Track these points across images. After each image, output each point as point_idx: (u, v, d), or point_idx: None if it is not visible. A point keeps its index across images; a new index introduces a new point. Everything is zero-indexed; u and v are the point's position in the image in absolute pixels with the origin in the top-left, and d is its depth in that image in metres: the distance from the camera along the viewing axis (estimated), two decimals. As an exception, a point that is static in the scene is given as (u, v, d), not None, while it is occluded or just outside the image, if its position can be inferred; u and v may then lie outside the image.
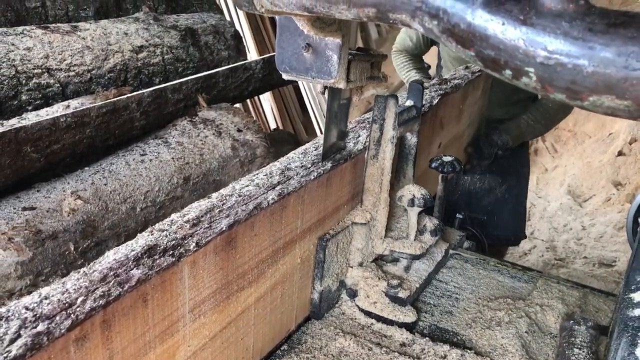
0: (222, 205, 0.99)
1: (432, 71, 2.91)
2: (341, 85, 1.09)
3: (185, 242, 0.87)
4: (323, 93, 1.25)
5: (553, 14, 0.55)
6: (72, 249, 1.42)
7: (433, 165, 1.59)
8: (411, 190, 1.39)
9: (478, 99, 2.40)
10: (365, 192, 1.38)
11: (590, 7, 0.55)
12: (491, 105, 2.59)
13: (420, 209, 1.38)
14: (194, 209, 0.97)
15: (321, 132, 5.09)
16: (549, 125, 2.74)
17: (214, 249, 0.91)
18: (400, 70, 2.83)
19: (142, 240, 0.86)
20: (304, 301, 1.27)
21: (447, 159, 1.59)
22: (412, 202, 1.37)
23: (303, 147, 1.35)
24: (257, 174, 1.15)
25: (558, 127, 5.37)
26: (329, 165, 1.23)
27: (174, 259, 0.83)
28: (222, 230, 0.92)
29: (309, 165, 1.22)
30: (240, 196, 1.03)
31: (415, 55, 2.82)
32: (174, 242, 0.87)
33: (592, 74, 0.53)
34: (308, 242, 1.22)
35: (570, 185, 4.89)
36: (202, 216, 0.95)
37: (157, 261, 0.82)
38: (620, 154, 4.88)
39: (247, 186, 1.08)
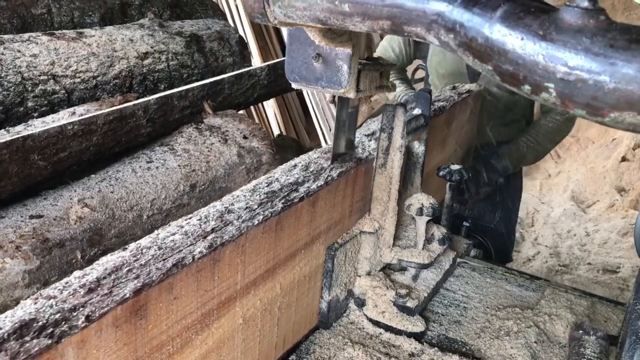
0: (135, 262, 0.82)
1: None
2: (351, 95, 1.09)
3: (74, 315, 0.70)
4: (332, 102, 1.25)
5: (573, 29, 0.55)
6: (79, 257, 1.42)
7: (441, 173, 1.59)
8: (420, 199, 1.38)
9: (466, 122, 2.20)
10: (373, 201, 1.38)
11: (611, 23, 0.54)
12: (483, 127, 2.39)
13: (429, 218, 1.38)
14: (100, 266, 0.81)
15: (325, 139, 5.08)
16: (550, 146, 2.53)
17: (113, 321, 0.74)
18: None
19: (20, 312, 0.70)
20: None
21: (455, 167, 1.58)
22: (420, 211, 1.37)
23: (253, 182, 1.16)
24: (191, 217, 0.98)
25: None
26: (279, 205, 1.05)
27: (50, 341, 0.66)
28: (125, 297, 0.75)
29: (255, 207, 1.03)
30: (160, 249, 0.86)
31: (397, 67, 2.67)
32: (58, 315, 0.69)
33: (613, 91, 0.53)
34: (253, 297, 1.04)
35: (574, 191, 4.89)
36: (104, 278, 0.78)
37: (27, 345, 0.65)
38: (624, 159, 4.87)
39: (173, 234, 0.91)
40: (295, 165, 1.25)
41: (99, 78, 2.08)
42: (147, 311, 0.79)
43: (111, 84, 2.12)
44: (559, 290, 1.56)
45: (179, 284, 0.84)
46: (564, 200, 4.82)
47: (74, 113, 1.77)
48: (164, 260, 0.83)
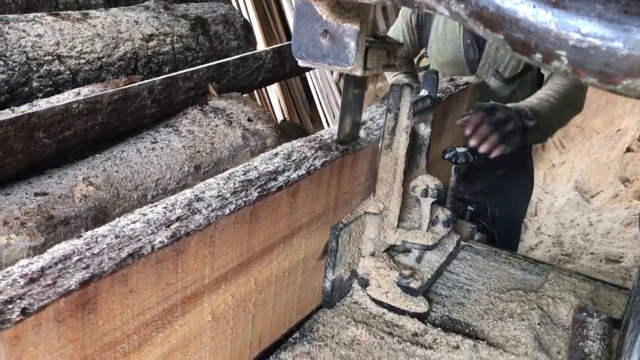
0: (87, 250, 0.75)
1: None
2: (358, 72, 1.09)
3: (8, 308, 0.64)
4: (338, 82, 1.25)
5: (586, -5, 0.54)
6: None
7: (446, 156, 1.58)
8: (425, 181, 1.38)
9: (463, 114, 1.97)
10: (378, 182, 1.38)
11: (625, -11, 0.54)
12: None
13: (434, 199, 1.38)
14: (48, 254, 0.74)
15: (328, 126, 5.09)
16: (568, 108, 2.05)
17: (55, 315, 0.67)
18: (388, 74, 2.57)
19: None
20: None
21: (461, 150, 1.58)
22: (425, 193, 1.37)
23: (230, 170, 1.08)
24: (157, 205, 0.91)
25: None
26: (254, 194, 0.97)
27: None
28: (70, 289, 0.67)
29: (228, 195, 0.95)
30: (117, 237, 0.79)
31: (404, 58, 2.57)
32: None
33: (627, 57, 0.52)
34: (224, 293, 0.96)
35: (578, 181, 4.88)
36: (49, 267, 0.70)
37: None
38: (628, 150, 4.86)
39: (133, 223, 0.83)
40: (276, 154, 1.18)
41: (103, 59, 2.07)
42: (97, 305, 0.72)
43: (116, 66, 2.11)
44: (562, 275, 1.56)
45: (135, 275, 0.76)
46: (567, 190, 4.81)
47: (78, 94, 1.77)
48: (119, 249, 0.76)
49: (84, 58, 2.02)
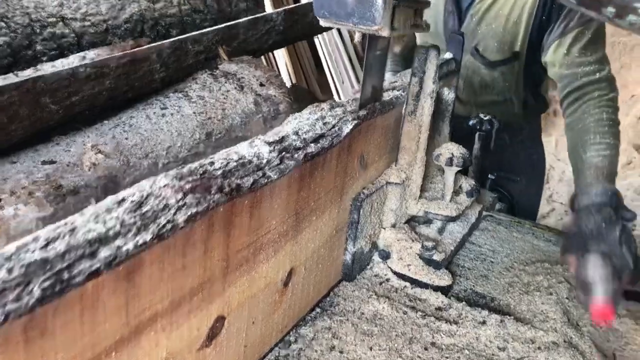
0: None
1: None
2: (385, 32, 1.01)
3: None
4: (360, 43, 1.17)
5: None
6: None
7: (470, 122, 1.51)
8: (450, 149, 1.32)
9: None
10: (400, 151, 1.31)
11: None
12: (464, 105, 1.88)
13: (459, 168, 1.32)
14: None
15: (337, 92, 4.95)
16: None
17: None
18: None
19: None
20: None
21: (485, 116, 1.51)
22: (450, 162, 1.31)
23: (27, 238, 0.57)
24: None
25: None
26: (37, 293, 0.54)
27: None
28: None
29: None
30: None
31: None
32: None
33: None
34: None
35: (590, 148, 4.79)
36: None
37: None
38: (643, 116, 4.75)
39: None
40: (122, 200, 0.67)
41: (109, 22, 1.99)
42: None
43: (122, 29, 2.03)
44: (588, 246, 1.51)
45: None
46: (580, 157, 4.72)
47: (84, 58, 1.69)
48: None
49: (89, 20, 1.94)
